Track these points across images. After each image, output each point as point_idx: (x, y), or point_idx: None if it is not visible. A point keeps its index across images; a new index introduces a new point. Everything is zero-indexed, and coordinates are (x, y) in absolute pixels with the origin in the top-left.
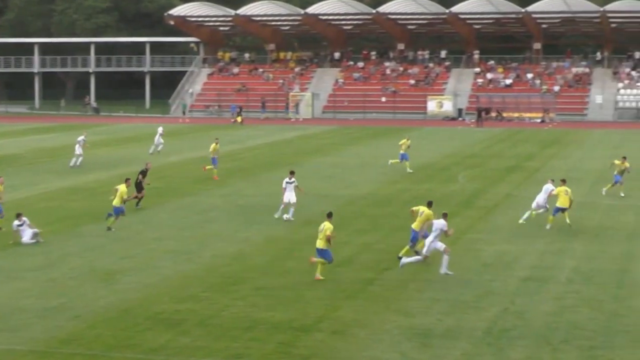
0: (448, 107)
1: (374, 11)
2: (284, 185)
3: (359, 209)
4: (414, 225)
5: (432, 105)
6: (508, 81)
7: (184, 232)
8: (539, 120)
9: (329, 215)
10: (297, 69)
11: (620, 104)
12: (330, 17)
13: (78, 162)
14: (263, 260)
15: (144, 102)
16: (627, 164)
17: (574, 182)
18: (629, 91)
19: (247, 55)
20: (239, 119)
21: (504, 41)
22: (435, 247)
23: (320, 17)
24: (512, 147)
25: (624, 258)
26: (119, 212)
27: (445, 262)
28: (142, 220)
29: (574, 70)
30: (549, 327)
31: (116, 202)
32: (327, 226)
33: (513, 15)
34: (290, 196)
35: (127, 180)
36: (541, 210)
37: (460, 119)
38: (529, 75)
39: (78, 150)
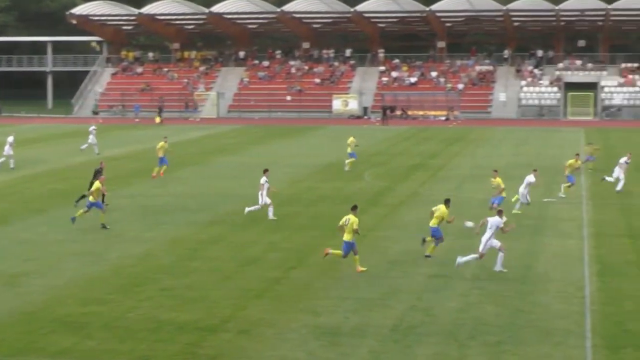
0: (353, 105)
1: (278, 10)
2: (262, 182)
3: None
4: (432, 223)
5: (337, 104)
6: (413, 79)
7: (89, 234)
8: (443, 118)
9: (354, 208)
10: (201, 68)
11: (523, 102)
12: (235, 16)
13: (11, 163)
14: (168, 260)
15: (46, 102)
16: (580, 162)
17: (478, 180)
18: (531, 89)
19: (151, 54)
20: (157, 119)
21: (409, 40)
22: (492, 244)
23: (225, 16)
24: (417, 145)
25: (528, 254)
26: (93, 206)
27: (500, 259)
28: (46, 222)
29: (478, 68)
30: (456, 324)
31: (92, 198)
32: (352, 220)
33: (417, 14)
34: (265, 197)
35: (97, 175)
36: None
37: (365, 117)
38: (434, 74)
39: (8, 151)
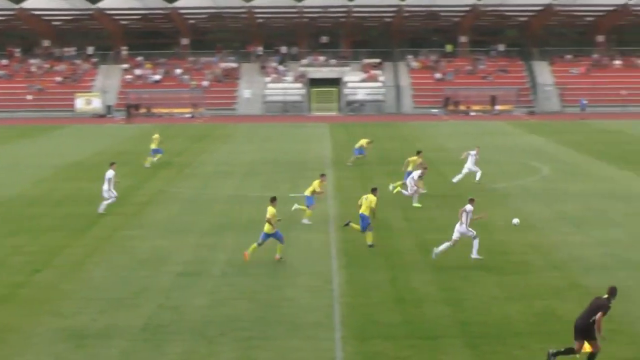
0: (97, 104)
1: (16, 7)
2: (109, 176)
3: (7, 210)
4: (362, 210)
5: (80, 103)
6: (157, 77)
7: None
8: (188, 116)
9: (273, 200)
10: None
11: (268, 98)
12: None
13: None
14: None
15: None
16: (421, 159)
17: (224, 176)
18: (276, 85)
19: None
20: None
21: (152, 37)
22: (466, 233)
23: None
24: (163, 143)
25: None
26: None
27: (476, 246)
28: None
29: (223, 65)
30: (205, 321)
31: None
32: (270, 211)
33: (160, 11)
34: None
35: None
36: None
37: (109, 115)
38: (178, 71)
39: None
